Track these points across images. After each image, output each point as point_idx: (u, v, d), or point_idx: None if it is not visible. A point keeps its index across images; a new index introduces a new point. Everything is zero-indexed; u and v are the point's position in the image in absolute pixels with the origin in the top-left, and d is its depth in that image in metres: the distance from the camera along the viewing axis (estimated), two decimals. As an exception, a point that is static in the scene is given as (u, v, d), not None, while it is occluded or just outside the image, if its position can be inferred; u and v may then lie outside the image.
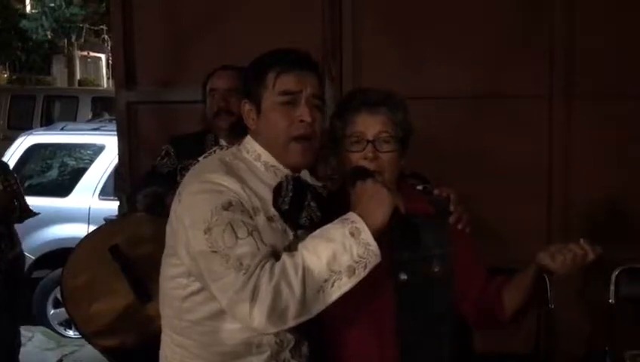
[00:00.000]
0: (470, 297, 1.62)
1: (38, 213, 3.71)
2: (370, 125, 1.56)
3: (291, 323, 1.34)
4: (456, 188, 1.74)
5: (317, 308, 1.35)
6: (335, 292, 1.34)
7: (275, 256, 1.39)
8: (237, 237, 1.36)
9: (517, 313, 1.57)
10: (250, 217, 1.42)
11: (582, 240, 1.43)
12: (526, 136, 2.97)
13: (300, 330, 1.54)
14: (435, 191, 1.74)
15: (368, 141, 1.54)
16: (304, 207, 1.54)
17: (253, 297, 1.31)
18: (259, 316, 1.32)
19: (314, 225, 1.47)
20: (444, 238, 1.62)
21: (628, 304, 2.83)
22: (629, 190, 2.92)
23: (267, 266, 1.33)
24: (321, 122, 1.53)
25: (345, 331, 1.55)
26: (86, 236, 2.41)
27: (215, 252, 1.36)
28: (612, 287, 2.81)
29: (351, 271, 1.34)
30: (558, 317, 2.72)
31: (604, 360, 2.76)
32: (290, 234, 1.50)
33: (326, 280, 1.33)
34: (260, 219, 1.44)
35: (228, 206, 1.39)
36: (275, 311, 1.32)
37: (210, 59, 2.70)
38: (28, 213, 3.58)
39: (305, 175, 1.61)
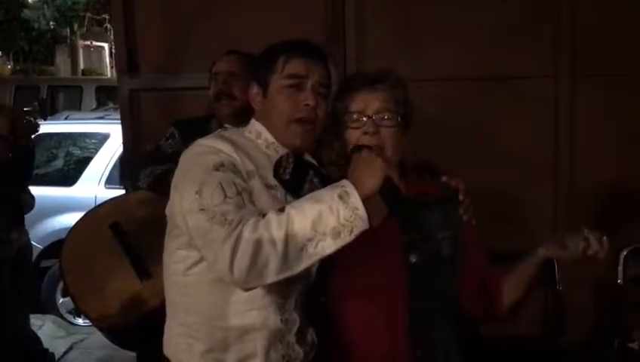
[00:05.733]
0: (468, 289, 1.61)
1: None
2: (370, 102, 1.58)
3: (272, 278, 1.34)
4: (460, 172, 1.71)
5: (299, 266, 1.34)
6: (318, 253, 1.34)
7: None
8: (225, 196, 1.38)
9: (516, 304, 1.57)
10: (244, 180, 1.44)
11: (604, 238, 1.43)
12: (532, 118, 2.94)
13: (305, 311, 1.56)
14: (443, 178, 1.71)
15: (368, 117, 1.56)
16: (306, 180, 1.58)
17: (234, 250, 1.31)
18: (239, 269, 1.32)
19: None
20: (454, 222, 1.59)
21: (636, 284, 2.82)
22: (637, 170, 2.89)
23: (251, 221, 1.34)
24: (324, 110, 1.56)
25: (354, 312, 1.55)
26: (87, 213, 2.35)
27: (203, 210, 1.38)
28: (620, 268, 2.80)
29: (336, 233, 1.33)
30: (566, 298, 2.72)
31: (613, 340, 2.76)
32: None
33: (310, 240, 1.33)
34: (256, 184, 1.47)
35: (219, 166, 1.42)
36: (256, 265, 1.32)
37: (213, 46, 2.70)
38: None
39: (308, 159, 1.63)
